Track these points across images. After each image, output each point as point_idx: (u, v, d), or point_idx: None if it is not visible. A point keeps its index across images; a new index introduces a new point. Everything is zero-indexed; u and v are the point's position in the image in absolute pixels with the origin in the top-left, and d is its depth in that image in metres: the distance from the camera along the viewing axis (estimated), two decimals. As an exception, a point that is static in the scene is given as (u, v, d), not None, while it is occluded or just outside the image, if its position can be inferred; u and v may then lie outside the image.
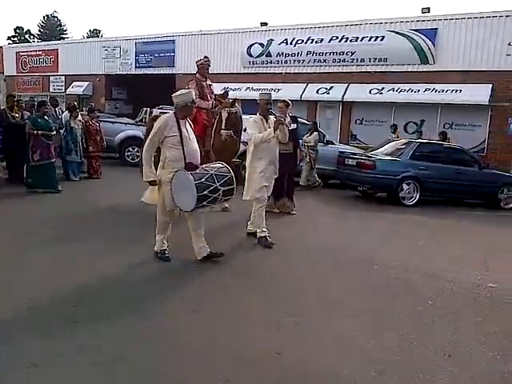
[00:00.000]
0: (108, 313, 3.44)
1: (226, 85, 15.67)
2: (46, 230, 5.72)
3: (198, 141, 4.83)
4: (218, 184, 4.44)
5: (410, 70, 14.90)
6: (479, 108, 13.87)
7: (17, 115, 8.90)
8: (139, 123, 13.45)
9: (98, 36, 47.67)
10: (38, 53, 24.67)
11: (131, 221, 6.38)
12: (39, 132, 8.07)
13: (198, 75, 7.32)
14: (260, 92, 6.33)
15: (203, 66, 7.31)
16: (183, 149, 4.47)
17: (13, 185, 8.57)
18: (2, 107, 9.68)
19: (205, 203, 4.45)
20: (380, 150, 9.97)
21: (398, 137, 13.09)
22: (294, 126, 7.46)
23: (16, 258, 4.56)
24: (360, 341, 3.25)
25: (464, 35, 14.13)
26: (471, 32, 14.02)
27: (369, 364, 2.93)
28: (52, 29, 50.96)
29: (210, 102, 7.20)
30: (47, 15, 52.88)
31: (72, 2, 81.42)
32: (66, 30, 53.05)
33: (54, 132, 8.60)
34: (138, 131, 12.82)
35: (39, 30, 52.10)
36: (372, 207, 8.99)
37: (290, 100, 7.06)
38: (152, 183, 4.72)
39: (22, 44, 26.96)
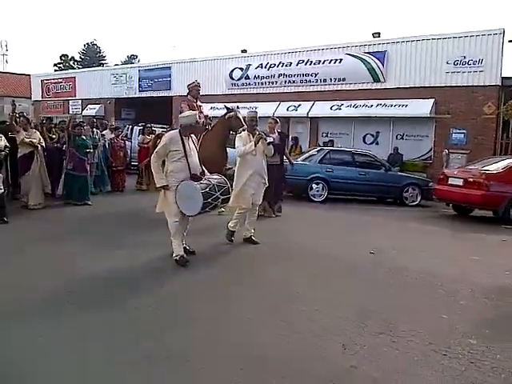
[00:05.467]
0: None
1: (214, 104, 17.85)
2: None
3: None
4: (218, 193, 5.05)
5: (364, 87, 16.63)
6: (425, 120, 15.39)
7: (54, 136, 10.05)
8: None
9: (133, 62, 49.50)
10: (58, 80, 27.97)
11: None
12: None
13: (189, 97, 8.12)
14: (248, 111, 6.98)
15: (194, 88, 8.12)
16: (188, 161, 4.98)
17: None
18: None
19: (207, 209, 5.06)
20: (302, 156, 11.82)
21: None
22: (269, 139, 8.32)
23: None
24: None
25: (409, 56, 15.80)
26: (415, 53, 15.69)
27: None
28: (92, 56, 53.88)
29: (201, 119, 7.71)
30: (87, 43, 55.66)
31: (111, 30, 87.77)
32: (105, 57, 55.68)
33: (91, 150, 9.68)
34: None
35: (80, 57, 55.04)
36: (290, 203, 10.70)
37: (265, 117, 8.31)
38: (164, 188, 5.11)
39: (45, 72, 30.46)
